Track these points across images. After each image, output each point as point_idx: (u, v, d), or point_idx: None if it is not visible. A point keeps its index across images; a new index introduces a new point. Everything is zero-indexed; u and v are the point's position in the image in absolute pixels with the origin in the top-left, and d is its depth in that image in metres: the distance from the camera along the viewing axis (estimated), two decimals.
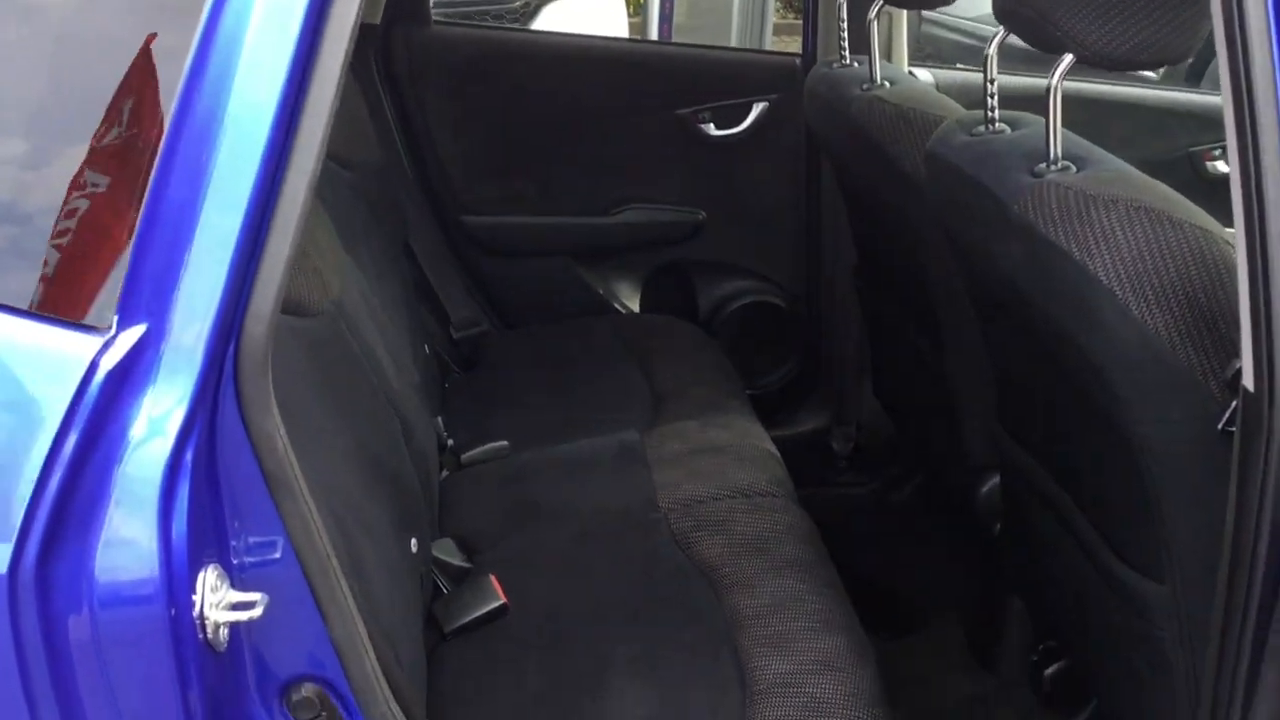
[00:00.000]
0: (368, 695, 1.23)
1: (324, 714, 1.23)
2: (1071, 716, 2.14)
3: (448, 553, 2.00)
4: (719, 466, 2.14)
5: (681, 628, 1.79)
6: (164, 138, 1.10)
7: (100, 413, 1.08)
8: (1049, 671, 2.15)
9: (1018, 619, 2.25)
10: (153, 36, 1.19)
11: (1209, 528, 1.35)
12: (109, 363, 1.08)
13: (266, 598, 1.15)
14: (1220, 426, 1.35)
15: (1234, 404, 1.30)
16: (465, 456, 2.30)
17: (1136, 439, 1.45)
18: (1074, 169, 1.52)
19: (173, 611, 1.08)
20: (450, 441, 2.34)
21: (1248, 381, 1.25)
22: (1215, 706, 1.31)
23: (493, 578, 1.90)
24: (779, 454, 2.25)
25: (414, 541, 1.79)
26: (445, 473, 2.27)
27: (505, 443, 2.31)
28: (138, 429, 1.08)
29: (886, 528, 2.79)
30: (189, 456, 1.09)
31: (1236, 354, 1.29)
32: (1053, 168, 1.52)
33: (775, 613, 1.77)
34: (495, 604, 1.86)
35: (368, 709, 1.23)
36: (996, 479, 2.18)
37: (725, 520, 1.99)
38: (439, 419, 2.34)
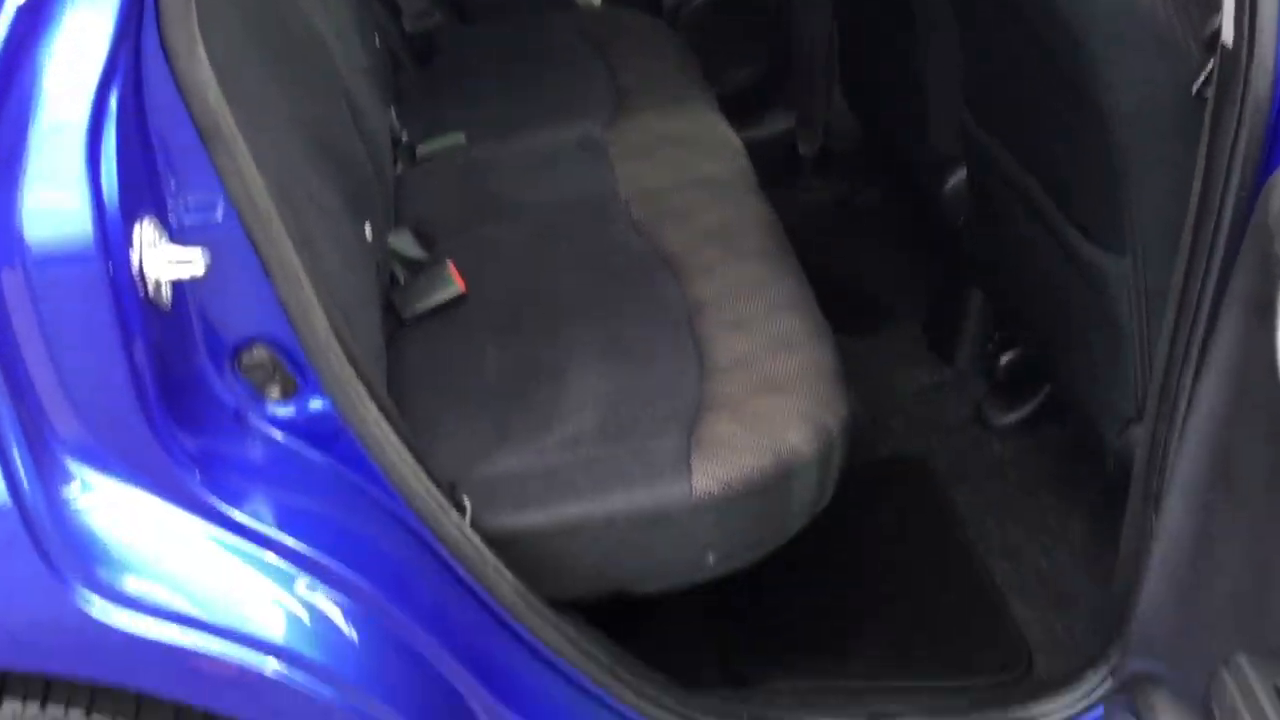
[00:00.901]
0: (321, 360, 1.22)
1: (277, 376, 1.22)
2: (1024, 403, 2.20)
3: (405, 243, 1.97)
4: (682, 158, 2.09)
5: (641, 313, 1.78)
6: None
7: (13, 55, 1.01)
8: (1004, 361, 2.18)
9: (976, 310, 2.27)
10: None
11: (1173, 197, 1.33)
12: None
13: (208, 254, 1.11)
14: (1195, 90, 1.31)
15: (1210, 64, 1.26)
16: (420, 150, 2.24)
17: (1109, 107, 1.41)
18: None
19: (109, 266, 1.05)
20: (405, 137, 2.27)
21: (1226, 37, 1.20)
22: (1169, 367, 1.32)
23: (451, 265, 1.87)
24: (743, 146, 2.19)
25: (368, 227, 1.75)
26: (400, 167, 2.21)
27: (462, 136, 2.25)
28: (55, 71, 1.02)
29: (850, 229, 2.77)
30: (113, 102, 1.03)
31: (1218, 10, 1.23)
32: None
33: (736, 298, 1.76)
34: (454, 292, 1.84)
35: (323, 373, 1.22)
36: (962, 172, 2.15)
37: (688, 210, 1.96)
38: (391, 110, 2.26)
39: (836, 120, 2.85)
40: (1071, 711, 1.51)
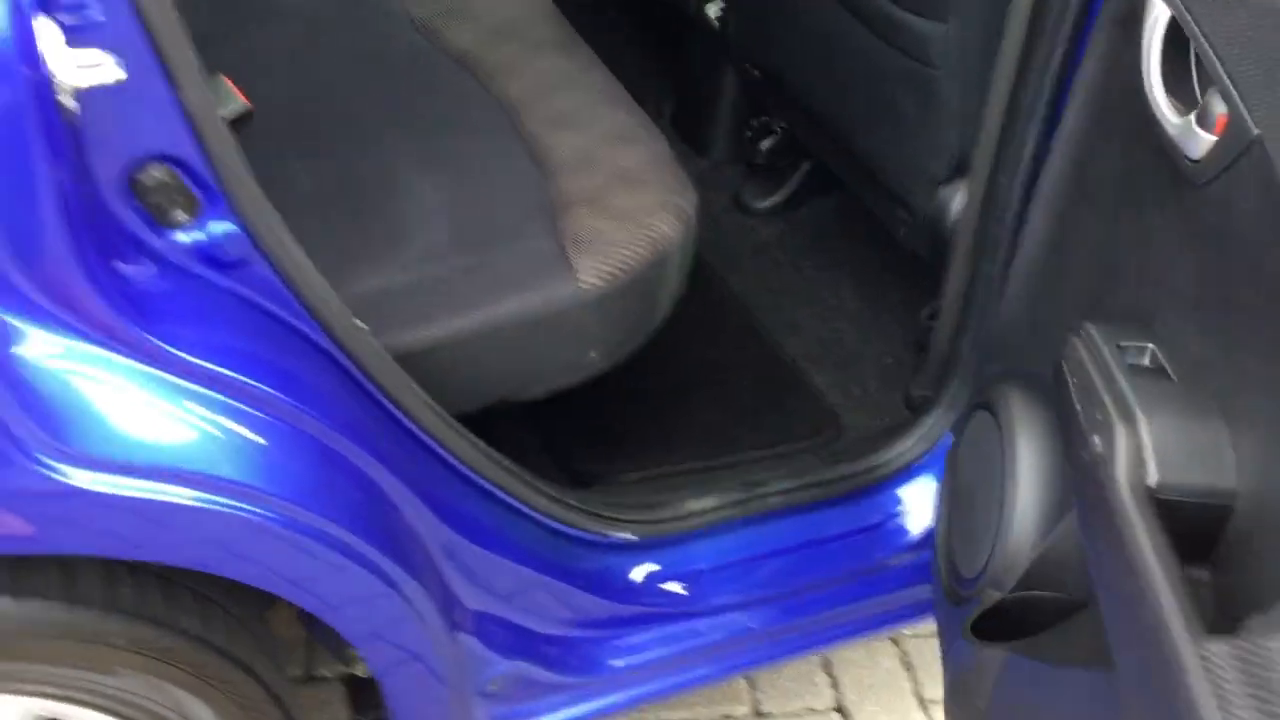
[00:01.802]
0: (231, 174, 1.08)
1: (179, 198, 1.07)
2: (781, 185, 2.30)
3: None
4: None
5: (454, 117, 1.69)
6: None
7: None
8: (765, 145, 2.26)
9: (731, 100, 2.32)
10: None
11: None
12: None
13: (118, 57, 0.95)
14: None
15: None
16: None
17: None
18: None
19: (27, 69, 0.87)
20: None
21: None
22: (1009, 117, 1.42)
23: (225, 79, 1.68)
24: None
25: None
26: None
27: None
28: None
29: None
30: None
31: None
32: None
33: (551, 93, 1.71)
34: (239, 108, 1.65)
35: (234, 189, 1.08)
36: None
37: (467, 6, 1.86)
38: None
39: None
40: (923, 447, 1.65)
